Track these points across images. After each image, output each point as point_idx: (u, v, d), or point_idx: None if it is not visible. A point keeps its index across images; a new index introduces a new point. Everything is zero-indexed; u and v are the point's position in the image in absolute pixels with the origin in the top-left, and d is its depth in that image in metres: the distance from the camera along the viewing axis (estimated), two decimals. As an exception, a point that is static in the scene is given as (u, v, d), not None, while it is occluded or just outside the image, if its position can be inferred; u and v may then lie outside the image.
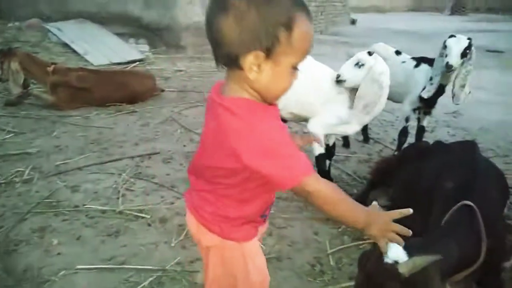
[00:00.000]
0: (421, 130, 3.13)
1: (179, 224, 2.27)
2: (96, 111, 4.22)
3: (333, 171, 2.89)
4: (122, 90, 4.45)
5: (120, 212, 2.38)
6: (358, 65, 2.34)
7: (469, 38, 2.63)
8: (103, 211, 2.39)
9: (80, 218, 2.31)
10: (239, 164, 0.96)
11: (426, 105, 2.91)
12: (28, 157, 3.07)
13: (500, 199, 1.95)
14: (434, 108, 2.98)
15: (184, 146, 3.48)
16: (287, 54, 0.93)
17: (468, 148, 1.99)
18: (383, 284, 1.25)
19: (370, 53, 2.37)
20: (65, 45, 6.50)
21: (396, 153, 3.11)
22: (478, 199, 1.44)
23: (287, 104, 2.43)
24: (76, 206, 2.42)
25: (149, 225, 2.28)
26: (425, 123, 3.11)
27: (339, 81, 2.38)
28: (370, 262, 1.30)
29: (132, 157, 3.18)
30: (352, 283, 1.84)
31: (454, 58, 2.56)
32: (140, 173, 2.93)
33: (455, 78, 2.68)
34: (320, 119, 2.49)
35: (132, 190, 2.67)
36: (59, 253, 1.99)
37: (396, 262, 1.23)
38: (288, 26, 0.91)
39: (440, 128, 4.30)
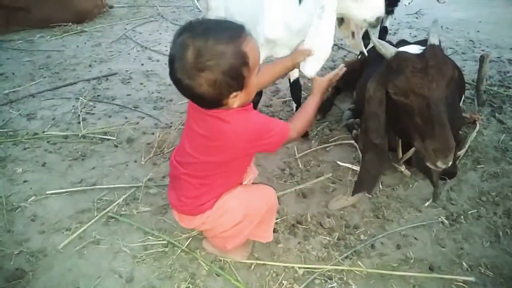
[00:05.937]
0: (384, 31, 3.08)
1: (147, 142, 2.24)
2: (40, 34, 3.86)
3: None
4: (65, 8, 4.04)
5: (84, 136, 2.30)
6: None
7: None
8: (65, 137, 2.30)
9: (42, 145, 2.22)
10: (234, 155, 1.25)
11: (389, 3, 2.83)
12: (-29, 87, 2.83)
13: (457, 92, 2.02)
14: (397, 6, 2.91)
15: (142, 64, 3.30)
16: (251, 75, 1.14)
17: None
18: (442, 64, 1.44)
19: None
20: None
21: (359, 56, 3.10)
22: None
23: None
24: (36, 134, 2.31)
25: (116, 146, 2.23)
26: (387, 23, 3.06)
27: None
28: (411, 64, 1.44)
29: (88, 80, 3.00)
30: (320, 179, 1.95)
31: None
32: (99, 95, 2.79)
33: None
34: None
35: (92, 114, 2.56)
36: (25, 181, 1.93)
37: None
38: (244, 62, 1.09)
39: (403, 29, 4.29)
